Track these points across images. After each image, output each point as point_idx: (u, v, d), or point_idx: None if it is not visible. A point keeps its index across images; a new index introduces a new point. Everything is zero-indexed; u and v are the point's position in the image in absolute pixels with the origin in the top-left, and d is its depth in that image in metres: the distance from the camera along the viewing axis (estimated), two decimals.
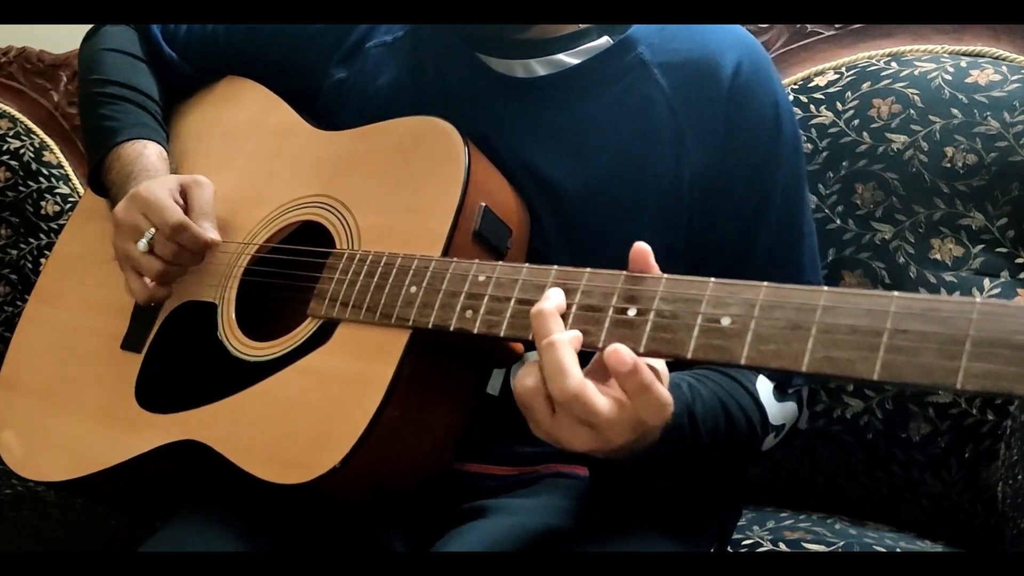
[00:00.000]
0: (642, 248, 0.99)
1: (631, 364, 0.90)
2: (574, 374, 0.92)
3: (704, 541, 1.31)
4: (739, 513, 1.46)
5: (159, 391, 1.34)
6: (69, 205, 2.21)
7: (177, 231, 1.30)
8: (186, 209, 1.34)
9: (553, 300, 0.98)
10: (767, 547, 1.43)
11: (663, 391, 0.92)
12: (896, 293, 0.80)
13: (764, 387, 1.23)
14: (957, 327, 0.76)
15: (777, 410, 1.24)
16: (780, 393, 1.24)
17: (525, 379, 0.96)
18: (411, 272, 1.15)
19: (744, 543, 1.45)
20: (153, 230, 1.31)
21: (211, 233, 1.32)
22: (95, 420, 1.38)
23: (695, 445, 1.09)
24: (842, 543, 1.43)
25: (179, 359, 1.36)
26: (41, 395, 1.47)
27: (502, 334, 1.04)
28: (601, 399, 0.92)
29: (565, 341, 0.93)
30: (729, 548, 1.42)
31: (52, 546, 1.63)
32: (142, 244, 1.32)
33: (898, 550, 1.43)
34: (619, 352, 0.91)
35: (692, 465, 1.11)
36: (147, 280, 1.35)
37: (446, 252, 1.16)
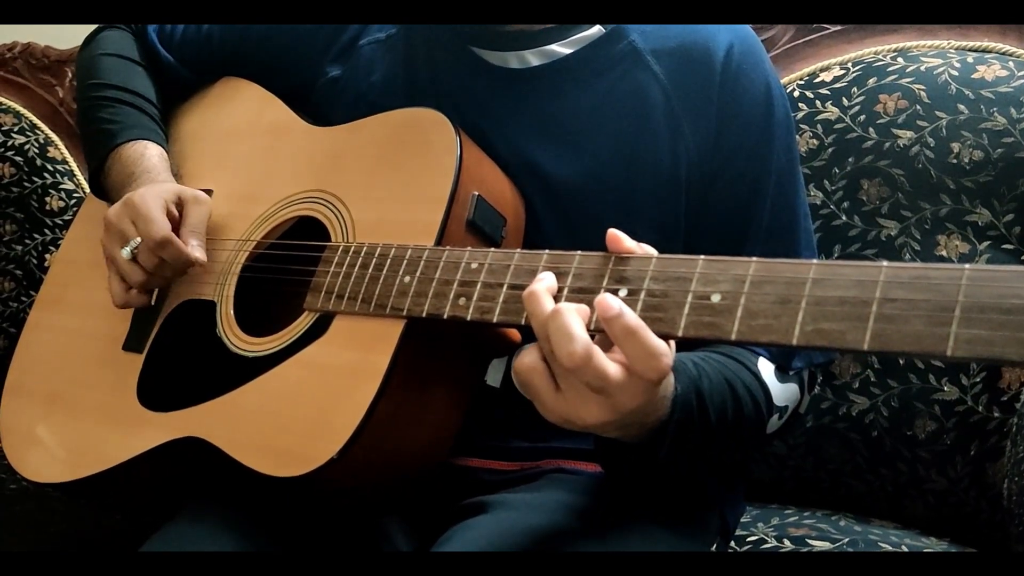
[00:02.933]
0: (614, 234, 0.99)
1: (617, 309, 0.89)
2: (582, 338, 0.90)
3: (707, 536, 1.30)
4: (742, 508, 1.45)
5: (160, 390, 1.34)
6: (74, 201, 2.21)
7: (161, 245, 1.31)
8: (179, 223, 1.34)
9: (545, 281, 0.97)
10: (772, 544, 1.42)
11: (654, 339, 0.90)
12: (885, 263, 0.79)
13: (766, 368, 1.22)
14: (946, 293, 0.75)
15: (780, 391, 1.23)
16: (782, 374, 1.24)
17: (524, 358, 0.96)
18: (405, 262, 1.14)
19: (748, 539, 1.44)
20: (139, 239, 1.32)
21: (196, 252, 1.33)
22: (98, 421, 1.38)
23: (703, 423, 1.08)
24: (847, 540, 1.42)
25: (179, 357, 1.36)
26: (46, 399, 1.47)
27: (495, 320, 1.04)
28: (611, 363, 0.91)
29: (571, 308, 0.92)
30: (733, 544, 1.42)
31: (56, 541, 1.64)
32: (126, 252, 1.33)
33: (903, 547, 1.42)
34: (605, 299, 0.90)
35: (700, 444, 1.10)
36: (128, 286, 1.36)
37: (439, 242, 1.16)
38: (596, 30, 1.32)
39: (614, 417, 0.94)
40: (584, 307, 0.94)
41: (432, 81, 1.37)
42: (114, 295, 1.37)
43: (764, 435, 1.24)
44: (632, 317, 0.90)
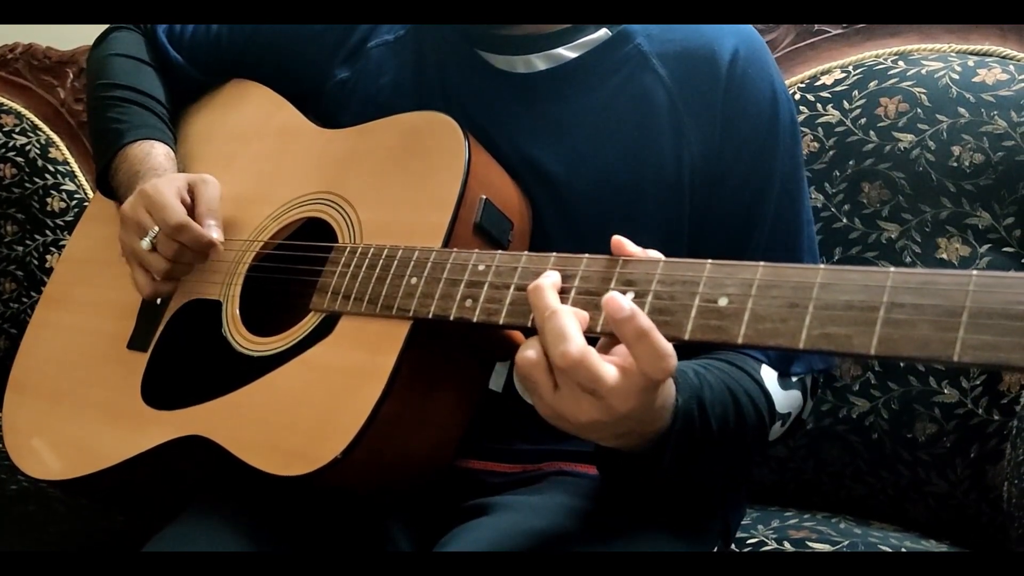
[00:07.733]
0: (618, 240, 0.99)
1: (628, 310, 0.89)
2: (576, 339, 0.91)
3: (708, 539, 1.30)
4: (743, 511, 1.45)
5: (165, 388, 1.34)
6: (75, 202, 2.22)
7: (179, 231, 1.32)
8: (193, 207, 1.35)
9: (550, 277, 0.98)
10: (772, 546, 1.43)
11: (663, 340, 0.90)
12: (893, 268, 0.79)
13: (769, 375, 1.22)
14: (953, 299, 0.75)
15: (783, 398, 1.23)
16: (784, 380, 1.24)
17: (526, 351, 0.96)
18: (412, 264, 1.14)
19: (749, 542, 1.45)
20: (156, 228, 1.33)
21: (214, 233, 1.33)
22: (102, 419, 1.38)
23: (705, 433, 1.07)
24: (847, 542, 1.43)
25: (184, 356, 1.36)
26: (49, 397, 1.48)
27: (501, 321, 1.04)
28: (605, 365, 0.91)
29: (568, 310, 0.93)
30: (734, 547, 1.42)
31: (57, 541, 1.63)
32: (145, 243, 1.34)
33: (903, 550, 1.43)
34: (615, 298, 0.90)
35: (702, 454, 1.10)
36: (153, 276, 1.36)
37: (446, 244, 1.16)
38: (602, 33, 1.32)
39: (607, 419, 0.94)
40: (584, 313, 0.95)
41: (441, 84, 1.37)
42: (141, 287, 1.38)
43: (766, 443, 1.24)
44: (644, 319, 0.90)
